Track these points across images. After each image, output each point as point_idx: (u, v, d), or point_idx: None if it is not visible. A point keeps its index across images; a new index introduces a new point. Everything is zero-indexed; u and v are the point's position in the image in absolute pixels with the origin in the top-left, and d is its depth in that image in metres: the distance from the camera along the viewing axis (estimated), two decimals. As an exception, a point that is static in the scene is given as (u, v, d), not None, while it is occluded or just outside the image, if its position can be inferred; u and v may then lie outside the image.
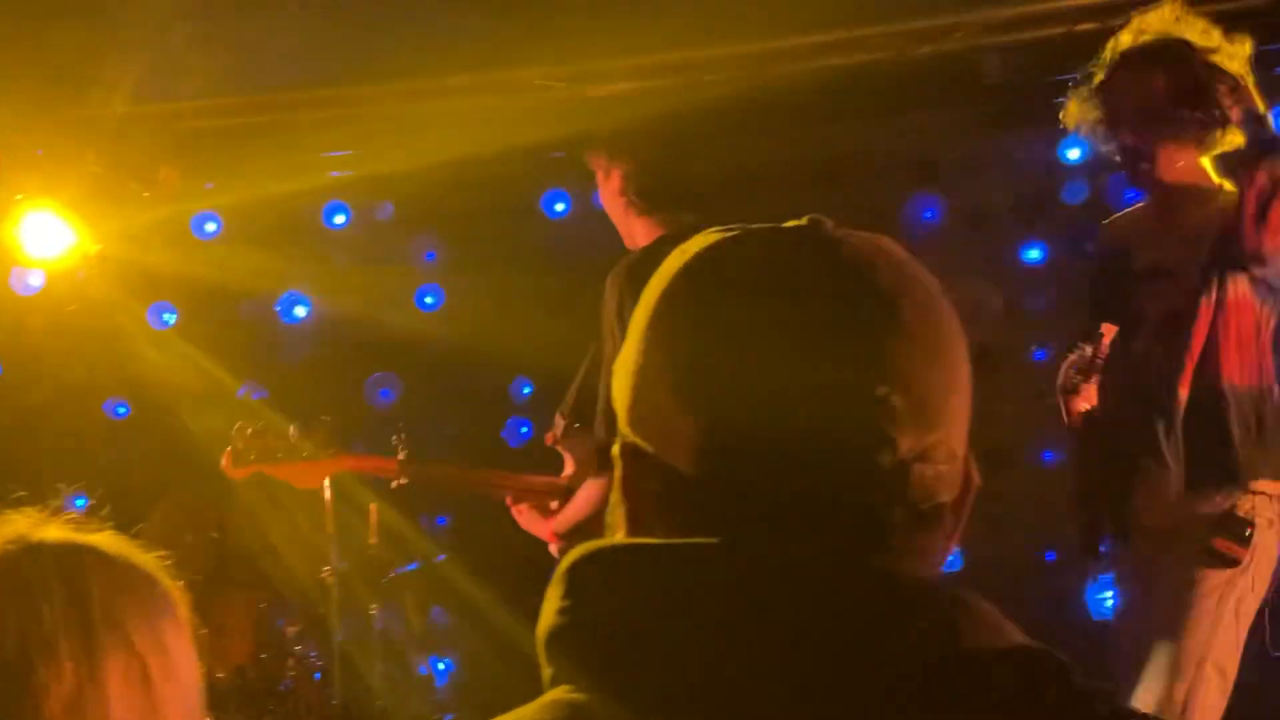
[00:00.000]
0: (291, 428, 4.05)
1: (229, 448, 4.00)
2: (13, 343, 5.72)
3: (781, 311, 1.00)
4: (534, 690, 1.00)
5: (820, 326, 0.99)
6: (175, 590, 1.46)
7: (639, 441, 1.04)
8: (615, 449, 1.06)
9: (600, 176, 3.78)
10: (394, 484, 4.12)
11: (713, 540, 0.97)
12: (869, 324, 0.99)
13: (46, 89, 4.99)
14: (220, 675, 4.98)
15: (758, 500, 0.98)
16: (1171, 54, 3.18)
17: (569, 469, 3.90)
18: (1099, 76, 3.27)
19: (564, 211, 6.12)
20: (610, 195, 3.74)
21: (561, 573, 1.00)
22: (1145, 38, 3.24)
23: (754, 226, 1.06)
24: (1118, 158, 3.33)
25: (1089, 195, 5.53)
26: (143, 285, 5.79)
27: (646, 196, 3.67)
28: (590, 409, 3.69)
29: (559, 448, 3.91)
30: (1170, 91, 3.17)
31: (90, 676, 1.34)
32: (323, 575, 4.72)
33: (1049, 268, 5.88)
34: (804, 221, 1.05)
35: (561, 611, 0.98)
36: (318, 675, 5.14)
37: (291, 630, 5.21)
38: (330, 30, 5.02)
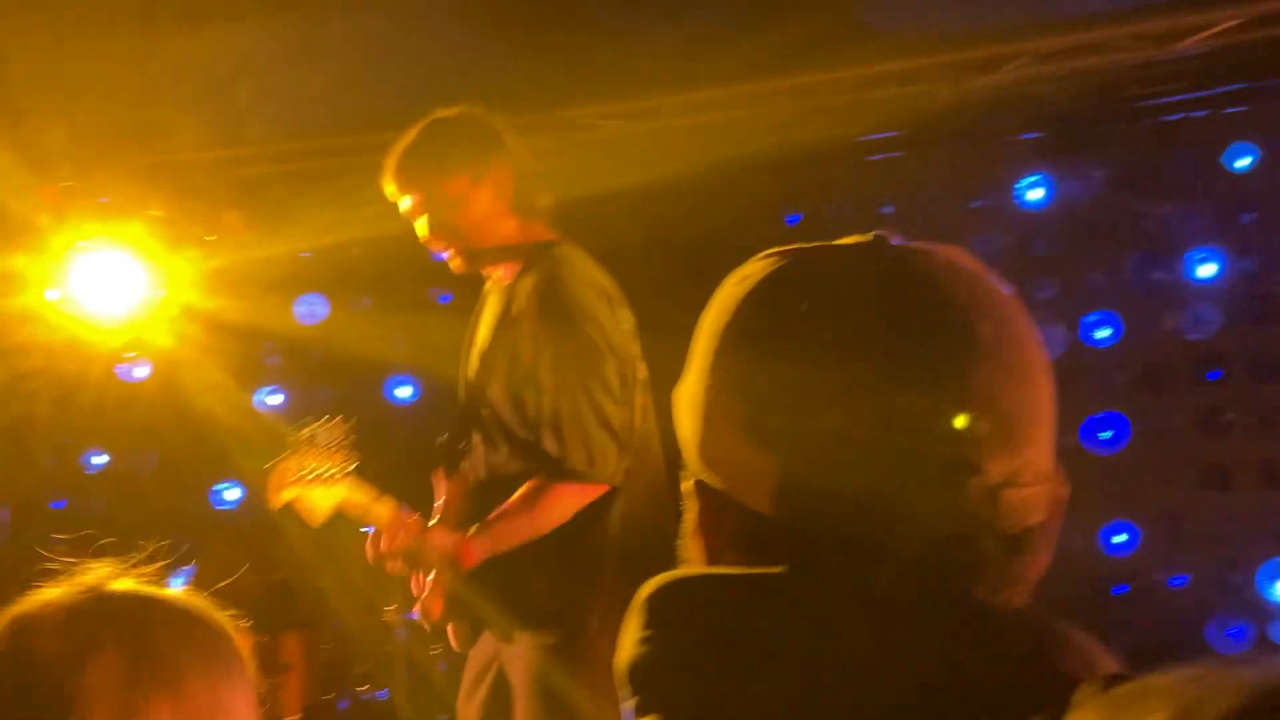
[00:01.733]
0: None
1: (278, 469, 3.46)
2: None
3: (854, 338, 0.95)
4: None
5: (896, 351, 0.94)
6: (244, 649, 1.43)
7: (711, 479, 1.01)
8: (688, 486, 1.04)
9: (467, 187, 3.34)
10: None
11: (780, 570, 0.95)
12: (947, 345, 0.94)
13: (112, 138, 5.07)
14: (283, 720, 4.98)
15: (840, 539, 0.94)
16: None
17: (443, 499, 3.58)
18: None
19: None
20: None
21: (640, 603, 0.98)
22: None
23: (814, 246, 1.02)
24: None
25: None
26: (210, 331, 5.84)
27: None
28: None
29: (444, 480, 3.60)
30: None
31: None
32: (386, 614, 4.69)
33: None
34: (868, 237, 1.01)
35: (643, 642, 0.96)
36: (382, 718, 5.14)
37: (357, 672, 5.20)
38: (381, 77, 5.07)
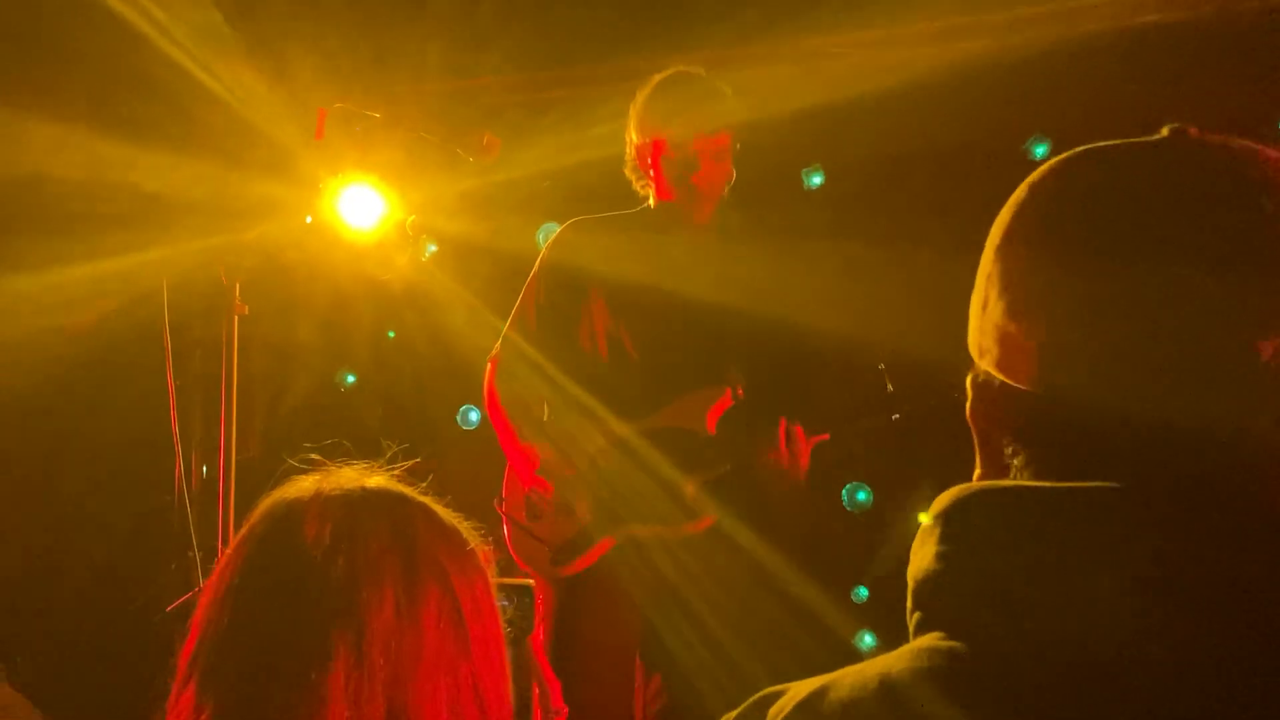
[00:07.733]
0: None
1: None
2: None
3: (1141, 219, 0.93)
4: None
5: (1181, 228, 0.91)
6: (482, 549, 1.50)
7: (985, 368, 1.00)
8: (967, 380, 1.03)
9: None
10: None
11: (1106, 485, 0.89)
12: (1234, 222, 0.91)
13: (362, 67, 5.24)
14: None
15: (1109, 413, 0.91)
16: None
17: None
18: None
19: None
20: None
21: (937, 516, 0.96)
22: None
23: (1112, 144, 1.00)
24: None
25: None
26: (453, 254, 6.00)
27: None
28: None
29: None
30: None
31: (409, 605, 1.37)
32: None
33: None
34: (1165, 133, 0.99)
35: (940, 556, 0.93)
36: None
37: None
38: (620, 6, 5.11)
